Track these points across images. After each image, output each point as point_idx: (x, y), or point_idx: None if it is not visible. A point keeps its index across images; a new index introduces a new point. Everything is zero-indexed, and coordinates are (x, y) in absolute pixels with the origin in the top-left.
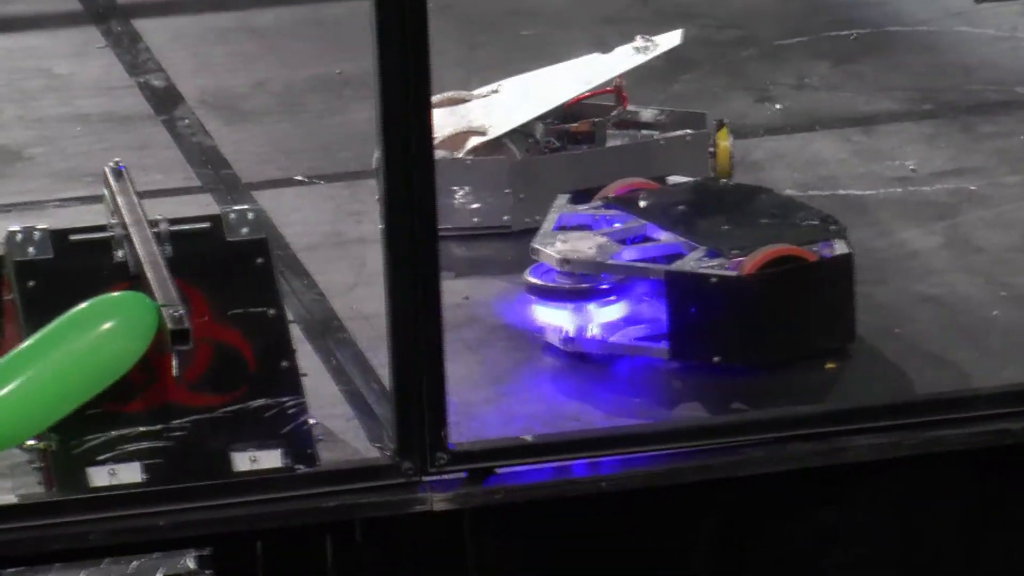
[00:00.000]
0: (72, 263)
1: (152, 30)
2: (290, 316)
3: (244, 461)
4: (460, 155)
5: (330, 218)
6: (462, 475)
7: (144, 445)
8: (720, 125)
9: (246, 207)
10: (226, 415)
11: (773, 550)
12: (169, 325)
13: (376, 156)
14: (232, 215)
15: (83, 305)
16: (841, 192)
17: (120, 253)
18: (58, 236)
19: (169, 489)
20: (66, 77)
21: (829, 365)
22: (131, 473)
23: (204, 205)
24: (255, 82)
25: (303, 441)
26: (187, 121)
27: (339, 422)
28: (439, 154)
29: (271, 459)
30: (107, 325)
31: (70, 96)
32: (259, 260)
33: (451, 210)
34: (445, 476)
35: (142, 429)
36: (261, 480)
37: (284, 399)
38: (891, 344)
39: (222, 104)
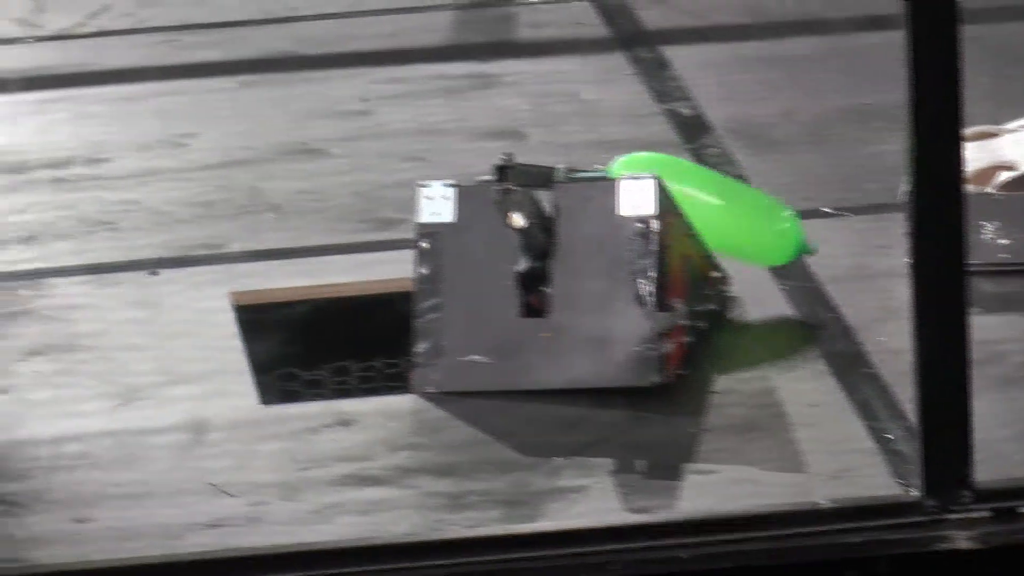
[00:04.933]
0: None
1: (680, 57)
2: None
3: None
4: (989, 190)
5: (856, 251)
6: (987, 514)
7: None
8: None
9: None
10: None
11: None
12: None
13: (903, 189)
14: None
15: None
16: None
17: None
18: None
19: (691, 521)
20: (593, 103)
21: None
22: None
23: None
24: (783, 111)
25: None
26: (714, 149)
27: (863, 457)
28: (968, 188)
29: None
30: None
31: (596, 122)
32: None
33: (979, 245)
34: (970, 514)
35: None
36: (784, 514)
37: None
38: None
39: (749, 133)
